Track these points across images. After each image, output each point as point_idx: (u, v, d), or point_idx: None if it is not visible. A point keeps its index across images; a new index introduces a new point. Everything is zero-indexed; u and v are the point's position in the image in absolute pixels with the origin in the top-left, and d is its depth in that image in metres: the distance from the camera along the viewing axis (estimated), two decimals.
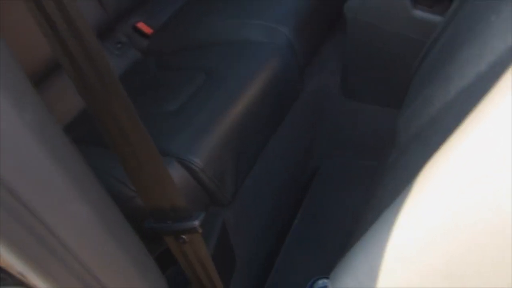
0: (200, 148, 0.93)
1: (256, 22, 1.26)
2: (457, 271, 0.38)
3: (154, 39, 1.46)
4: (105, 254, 0.53)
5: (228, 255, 0.95)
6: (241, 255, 1.12)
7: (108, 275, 0.54)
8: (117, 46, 1.43)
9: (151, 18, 1.51)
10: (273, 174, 1.23)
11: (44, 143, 0.40)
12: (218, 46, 1.25)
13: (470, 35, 0.48)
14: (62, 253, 0.46)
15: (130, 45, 1.46)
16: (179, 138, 0.94)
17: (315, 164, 1.51)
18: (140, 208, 0.88)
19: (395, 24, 1.17)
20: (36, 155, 0.40)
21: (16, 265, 0.42)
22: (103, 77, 0.47)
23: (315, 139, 1.49)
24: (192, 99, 1.05)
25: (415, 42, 1.17)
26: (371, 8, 1.19)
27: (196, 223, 0.61)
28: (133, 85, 1.24)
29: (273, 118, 1.16)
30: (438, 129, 0.46)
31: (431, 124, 0.51)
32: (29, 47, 1.01)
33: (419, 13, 1.13)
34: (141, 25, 1.48)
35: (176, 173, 0.91)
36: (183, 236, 0.64)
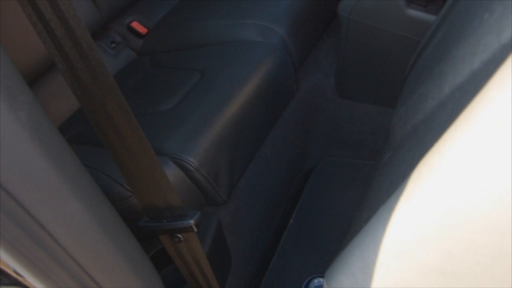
0: (195, 148, 0.93)
1: (250, 22, 1.26)
2: (451, 267, 0.39)
3: (148, 39, 1.46)
4: (101, 253, 0.53)
5: (224, 255, 0.95)
6: (236, 254, 1.12)
7: (104, 274, 0.54)
8: (111, 46, 1.42)
9: (146, 18, 1.51)
10: (269, 174, 1.23)
11: (39, 142, 0.40)
12: (212, 46, 1.25)
13: (464, 33, 0.48)
14: (57, 252, 0.45)
15: (125, 44, 1.46)
16: (174, 138, 0.94)
17: (310, 163, 1.51)
18: (136, 208, 0.88)
19: (389, 23, 1.18)
20: (31, 154, 0.40)
21: (12, 264, 0.42)
22: (97, 77, 0.47)
23: (310, 138, 1.49)
24: (187, 98, 1.05)
25: (409, 41, 1.17)
26: (365, 8, 1.19)
27: (191, 221, 0.61)
28: (127, 85, 1.24)
29: (268, 117, 1.17)
30: (433, 127, 0.46)
31: (426, 121, 0.51)
32: (23, 47, 1.01)
33: (413, 12, 1.13)
34: (136, 25, 1.48)
35: (171, 172, 0.91)
36: (179, 235, 0.64)
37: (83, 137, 1.09)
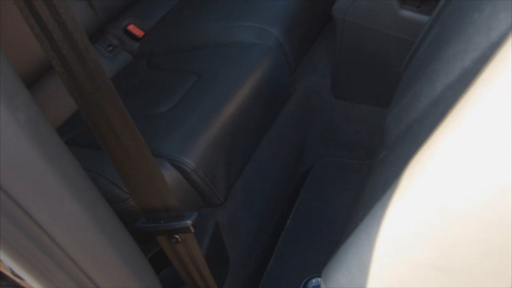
0: (192, 149, 0.93)
1: (246, 24, 1.27)
2: (445, 262, 0.39)
3: (145, 42, 1.46)
4: (99, 255, 0.53)
5: (222, 256, 0.95)
6: (234, 255, 1.13)
7: (102, 275, 0.54)
8: (108, 49, 1.43)
9: (142, 21, 1.52)
10: (266, 174, 1.24)
11: (38, 143, 0.41)
12: (208, 48, 1.26)
13: (455, 32, 0.49)
14: (56, 253, 0.46)
15: (121, 47, 1.46)
16: (171, 139, 0.95)
17: (307, 164, 1.52)
18: (134, 210, 0.88)
19: (383, 24, 1.19)
20: (29, 155, 0.40)
21: (10, 265, 0.42)
22: (95, 79, 0.47)
23: (307, 139, 1.50)
24: (184, 100, 1.05)
25: (403, 41, 1.18)
26: (359, 9, 1.20)
27: (189, 222, 0.62)
28: (124, 87, 1.24)
29: (264, 118, 1.17)
30: (426, 125, 0.47)
31: (419, 120, 0.52)
32: (21, 49, 1.01)
33: (406, 13, 1.14)
34: (132, 28, 1.49)
35: (169, 174, 0.91)
36: (176, 236, 0.64)
37: (80, 140, 1.09)
